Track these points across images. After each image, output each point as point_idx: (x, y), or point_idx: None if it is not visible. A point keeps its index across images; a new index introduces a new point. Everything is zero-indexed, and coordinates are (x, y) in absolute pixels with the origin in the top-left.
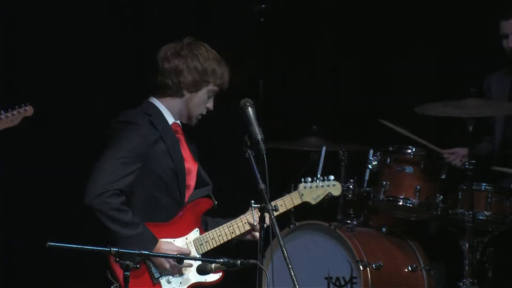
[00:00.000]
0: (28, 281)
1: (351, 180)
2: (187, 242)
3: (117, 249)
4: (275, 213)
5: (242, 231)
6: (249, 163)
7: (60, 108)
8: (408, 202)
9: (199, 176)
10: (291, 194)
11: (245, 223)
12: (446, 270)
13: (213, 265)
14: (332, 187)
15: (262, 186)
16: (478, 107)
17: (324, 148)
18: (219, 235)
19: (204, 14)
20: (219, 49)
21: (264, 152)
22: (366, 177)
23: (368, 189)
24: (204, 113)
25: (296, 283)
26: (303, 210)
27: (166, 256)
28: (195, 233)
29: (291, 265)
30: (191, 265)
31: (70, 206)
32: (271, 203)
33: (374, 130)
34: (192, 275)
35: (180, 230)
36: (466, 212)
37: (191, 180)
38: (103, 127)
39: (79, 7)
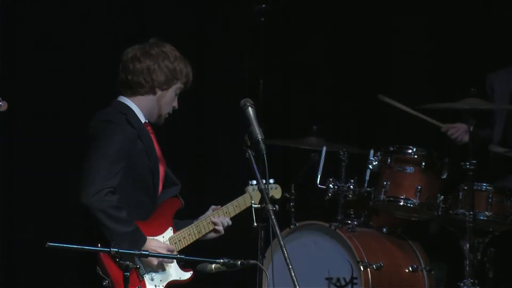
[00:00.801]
0: (28, 282)
1: (352, 180)
2: (164, 240)
3: (117, 249)
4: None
5: (207, 230)
6: (249, 163)
7: (59, 108)
8: (409, 202)
9: (166, 175)
10: (243, 196)
11: (209, 222)
12: (446, 271)
13: (213, 266)
14: (274, 190)
15: (262, 186)
16: (479, 104)
17: (324, 148)
18: (189, 234)
19: (204, 14)
20: (219, 48)
21: (264, 152)
22: (367, 177)
23: (368, 189)
24: (171, 112)
25: (296, 284)
26: (304, 211)
27: (165, 256)
28: (169, 232)
29: (291, 265)
30: (172, 262)
31: (69, 206)
32: (227, 205)
33: (374, 129)
34: (171, 272)
35: (157, 228)
36: (466, 212)
37: (161, 180)
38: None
39: (78, 8)
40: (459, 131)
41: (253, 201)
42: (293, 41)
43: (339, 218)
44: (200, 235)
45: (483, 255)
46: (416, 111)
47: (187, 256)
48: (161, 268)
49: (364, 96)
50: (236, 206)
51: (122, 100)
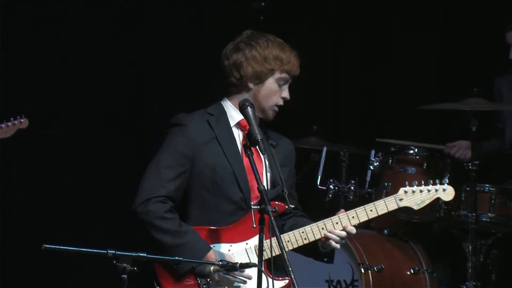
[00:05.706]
0: (26, 283)
1: (352, 181)
2: (247, 247)
3: (114, 251)
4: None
5: (318, 237)
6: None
7: (58, 110)
8: None
9: (272, 177)
10: (385, 198)
11: (322, 228)
12: (449, 273)
13: (211, 267)
14: (442, 192)
15: (262, 187)
16: (481, 104)
17: (325, 149)
18: (288, 241)
19: (203, 12)
20: (218, 48)
21: (264, 152)
22: (368, 178)
23: (369, 190)
24: (281, 103)
25: (296, 286)
26: (305, 212)
27: (163, 259)
28: (257, 239)
29: (291, 267)
30: (248, 279)
31: (67, 208)
32: (364, 206)
33: (375, 130)
34: (250, 285)
35: (240, 234)
36: (469, 214)
37: (255, 181)
38: (98, 131)
39: (78, 9)
40: (461, 149)
41: (252, 202)
42: (293, 40)
43: None
44: (306, 242)
45: (486, 257)
46: (417, 135)
47: (184, 259)
48: (229, 283)
49: (365, 96)
50: (371, 211)
51: (222, 101)
